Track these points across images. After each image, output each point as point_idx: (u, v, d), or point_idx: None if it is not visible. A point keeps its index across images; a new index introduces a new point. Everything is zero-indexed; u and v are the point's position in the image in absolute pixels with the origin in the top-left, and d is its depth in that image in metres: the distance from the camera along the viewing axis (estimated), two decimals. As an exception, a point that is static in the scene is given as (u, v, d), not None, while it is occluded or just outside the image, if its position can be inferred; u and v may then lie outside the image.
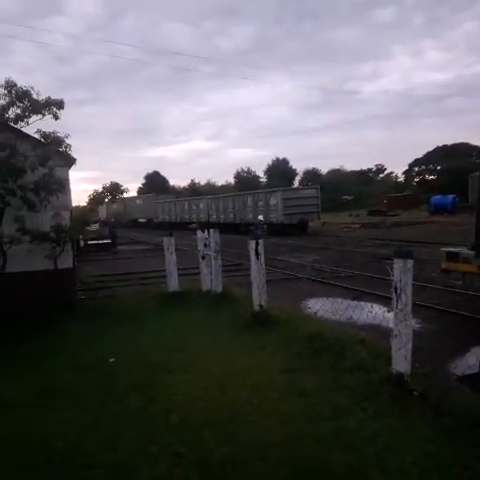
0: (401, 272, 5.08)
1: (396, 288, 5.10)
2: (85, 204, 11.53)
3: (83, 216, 11.38)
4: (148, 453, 4.15)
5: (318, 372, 5.91)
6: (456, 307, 9.68)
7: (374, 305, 9.45)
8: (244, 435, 4.38)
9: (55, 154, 9.78)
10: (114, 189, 10.77)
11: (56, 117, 9.83)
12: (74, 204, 12.36)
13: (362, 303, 9.93)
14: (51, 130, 9.86)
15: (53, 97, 9.92)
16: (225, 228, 36.59)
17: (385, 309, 5.76)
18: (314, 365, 6.15)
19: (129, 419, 4.91)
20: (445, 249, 9.00)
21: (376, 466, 3.81)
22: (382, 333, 6.68)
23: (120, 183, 11.04)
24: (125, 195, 11.61)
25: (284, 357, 6.55)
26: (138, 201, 62.12)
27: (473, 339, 7.87)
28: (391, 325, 5.44)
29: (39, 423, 4.93)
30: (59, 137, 9.78)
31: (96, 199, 10.75)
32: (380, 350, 6.07)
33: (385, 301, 6.78)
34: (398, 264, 5.11)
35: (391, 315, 5.39)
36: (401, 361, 5.13)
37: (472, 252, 8.10)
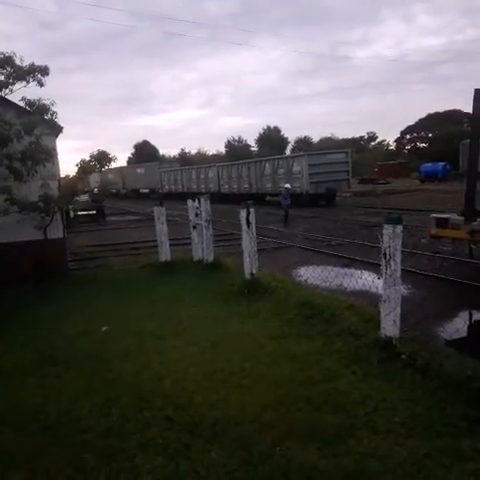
0: (390, 238, 5.10)
1: (385, 254, 5.14)
2: (74, 174, 11.41)
3: (71, 186, 11.25)
4: (140, 418, 4.21)
5: (309, 337, 5.99)
6: (445, 272, 9.80)
7: (364, 272, 9.51)
8: (236, 399, 4.45)
9: (41, 122, 9.58)
10: (102, 158, 10.61)
11: (41, 84, 9.58)
12: (63, 174, 12.21)
13: (352, 270, 10.02)
14: (36, 98, 9.65)
15: (38, 64, 9.68)
16: (239, 199, 34.92)
17: (375, 276, 5.81)
18: (305, 331, 6.23)
19: (122, 385, 4.96)
20: (435, 215, 9.04)
21: (365, 427, 3.90)
22: (372, 299, 6.75)
23: (108, 152, 10.88)
24: (114, 164, 11.43)
25: (275, 324, 6.62)
26: (139, 170, 57.28)
27: (461, 304, 8.00)
28: (380, 291, 5.50)
29: (31, 391, 4.98)
30: (45, 105, 9.56)
31: (84, 168, 10.61)
32: (369, 315, 6.15)
33: (375, 268, 6.81)
34: (387, 230, 5.13)
35: (381, 281, 5.44)
36: (390, 325, 5.21)
37: (461, 218, 8.14)
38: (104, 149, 10.79)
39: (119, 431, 4.04)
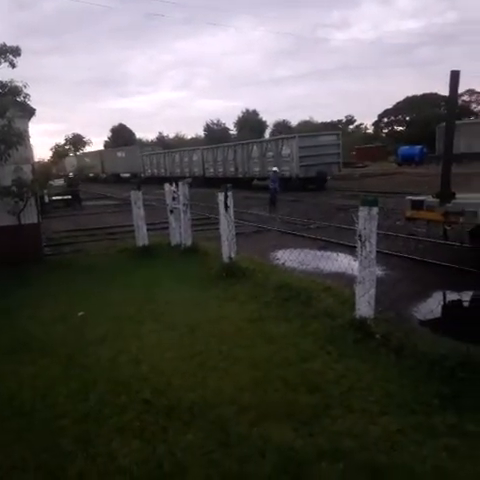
0: (366, 220, 5.15)
1: (361, 235, 5.18)
2: (48, 158, 11.19)
3: (45, 170, 11.03)
4: (117, 402, 4.20)
5: (286, 320, 6.04)
6: (419, 254, 9.96)
7: (341, 254, 9.63)
8: (213, 381, 4.47)
9: (13, 104, 9.33)
10: (77, 141, 10.42)
11: (13, 65, 9.33)
12: (37, 158, 11.95)
13: (329, 253, 10.09)
14: (8, 79, 9.39)
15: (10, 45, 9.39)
16: (225, 183, 34.33)
17: (351, 258, 5.88)
18: (282, 313, 6.28)
19: (99, 370, 4.93)
20: (410, 197, 9.15)
21: (340, 406, 3.96)
22: (348, 281, 6.83)
23: (83, 135, 10.69)
24: (89, 147, 11.24)
25: (253, 307, 6.65)
26: (119, 154, 55.86)
27: (435, 285, 8.15)
28: (356, 273, 5.56)
29: (6, 377, 4.91)
30: (17, 86, 9.31)
31: (58, 152, 10.40)
32: (345, 297, 6.24)
33: (352, 250, 6.91)
34: (363, 212, 5.17)
35: (356, 263, 5.50)
36: (365, 306, 5.28)
37: (436, 200, 8.25)
38: (79, 132, 10.60)
39: (96, 416, 4.02)
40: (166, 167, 46.05)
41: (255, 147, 33.64)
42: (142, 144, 68.24)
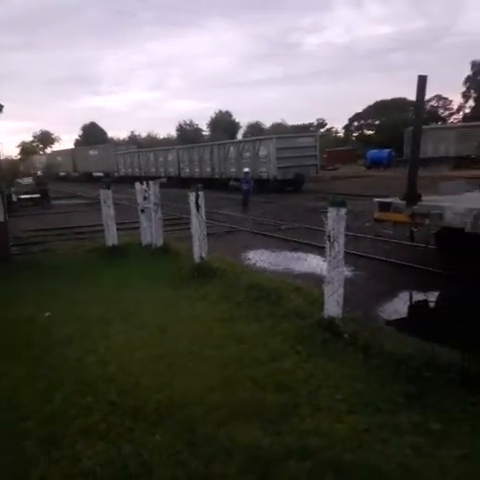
0: (334, 220, 5.21)
1: (330, 236, 5.24)
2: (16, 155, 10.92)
3: (12, 168, 10.77)
4: (83, 403, 4.13)
5: (256, 320, 6.04)
6: (386, 255, 10.15)
7: (311, 255, 9.73)
8: (182, 381, 4.44)
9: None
10: (45, 138, 10.23)
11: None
12: (4, 156, 11.66)
13: (300, 253, 10.19)
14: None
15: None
16: (201, 183, 33.84)
17: (320, 258, 5.94)
18: (253, 313, 6.29)
19: (66, 371, 4.84)
20: (378, 200, 9.29)
21: (308, 405, 3.98)
22: (317, 281, 6.89)
23: (52, 132, 10.49)
24: (58, 145, 11.03)
25: (224, 307, 6.64)
26: (92, 152, 54.32)
27: (401, 285, 8.31)
28: (325, 273, 5.61)
29: (-32, 379, 4.77)
30: (-19, 81, 9.07)
31: (26, 149, 10.17)
32: (315, 297, 6.29)
33: (321, 251, 7.00)
34: (332, 213, 5.23)
35: (326, 263, 5.55)
36: (333, 306, 5.34)
37: (403, 202, 8.40)
38: (50, 130, 10.40)
39: (61, 417, 3.94)
40: (140, 166, 45.17)
41: (232, 148, 33.12)
42: (115, 143, 67.18)
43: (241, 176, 29.26)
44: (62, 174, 57.92)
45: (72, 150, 59.30)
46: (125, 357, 5.09)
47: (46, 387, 4.50)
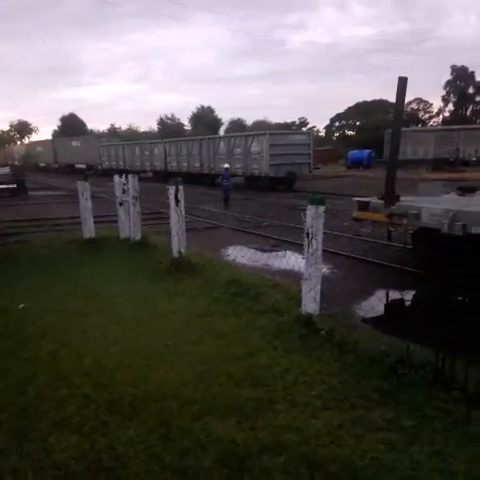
0: (313, 218, 5.23)
1: (308, 233, 5.27)
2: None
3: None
4: (57, 396, 4.07)
5: (235, 315, 6.04)
6: (364, 254, 10.26)
7: (289, 252, 9.76)
8: (158, 376, 4.42)
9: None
10: (23, 128, 10.01)
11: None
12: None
13: (279, 250, 10.22)
14: None
15: None
16: (189, 179, 30.18)
17: (299, 255, 5.98)
18: (231, 309, 6.28)
19: (39, 364, 4.76)
20: (357, 199, 9.39)
21: (283, 400, 4.00)
22: (295, 278, 6.93)
23: (30, 123, 10.28)
24: (36, 135, 10.81)
25: (202, 302, 6.62)
26: (74, 143, 52.54)
27: (378, 284, 8.41)
28: (303, 270, 5.65)
29: None
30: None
31: (1, 139, 9.94)
32: (292, 293, 6.32)
33: (300, 248, 7.05)
34: (311, 210, 5.26)
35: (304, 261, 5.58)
36: (310, 303, 5.38)
37: (381, 201, 8.50)
38: (28, 121, 10.16)
39: (34, 410, 3.88)
40: (125, 160, 43.71)
41: (222, 143, 31.89)
42: (97, 135, 66.09)
43: (231, 172, 28.58)
44: (42, 165, 56.62)
45: (53, 140, 57.82)
46: (101, 351, 5.03)
47: (19, 380, 4.42)
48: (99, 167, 46.43)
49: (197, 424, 3.62)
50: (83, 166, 48.91)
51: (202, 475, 3.06)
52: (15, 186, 25.20)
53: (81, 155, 50.00)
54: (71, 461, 3.21)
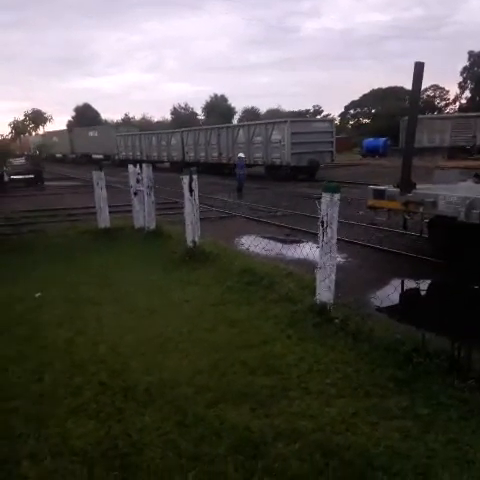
0: (328, 206, 5.19)
1: (323, 221, 5.23)
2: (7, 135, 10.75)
3: (3, 147, 10.61)
4: (73, 383, 4.12)
5: (248, 304, 6.05)
6: (379, 243, 10.17)
7: (304, 241, 9.73)
8: (172, 363, 4.44)
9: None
10: (37, 118, 10.06)
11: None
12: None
13: (293, 239, 10.18)
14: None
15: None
16: (207, 169, 31.12)
17: (313, 244, 5.95)
18: (244, 297, 6.29)
19: (55, 351, 4.82)
20: (372, 187, 9.28)
21: (298, 388, 4.00)
22: (309, 267, 6.90)
23: (45, 112, 10.32)
24: (50, 125, 10.85)
25: (216, 291, 6.63)
26: (91, 133, 51.78)
27: (393, 273, 8.34)
28: (317, 259, 5.61)
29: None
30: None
31: (17, 128, 10.01)
32: (306, 282, 6.30)
33: (314, 237, 7.01)
34: (325, 198, 5.21)
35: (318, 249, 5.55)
36: (324, 291, 5.35)
37: (397, 189, 8.40)
38: (40, 109, 10.20)
39: (50, 397, 3.93)
40: (142, 150, 43.14)
41: (241, 131, 30.85)
42: (114, 124, 65.50)
43: (251, 162, 28.78)
44: (58, 155, 56.29)
45: (70, 130, 57.56)
46: (115, 339, 5.08)
47: (36, 367, 4.48)
48: (116, 157, 45.76)
49: (212, 411, 3.64)
50: (100, 156, 48.38)
51: (217, 462, 3.08)
52: (33, 176, 25.38)
53: (98, 145, 49.36)
54: (88, 447, 3.25)
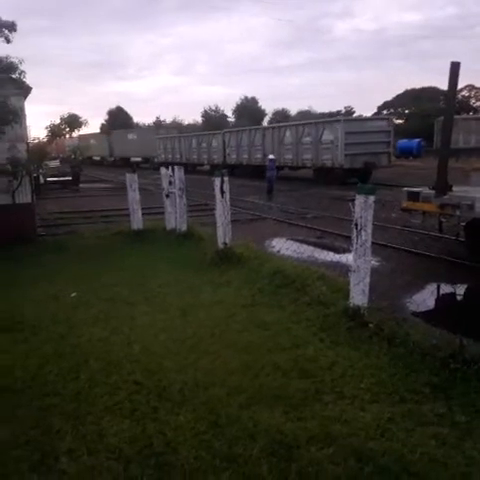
0: (362, 208, 5.12)
1: (357, 224, 5.16)
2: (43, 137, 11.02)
3: (40, 150, 10.89)
4: (108, 382, 4.19)
5: (279, 306, 6.04)
6: (414, 246, 9.97)
7: (336, 244, 9.64)
8: (205, 364, 4.48)
9: (8, 81, 9.20)
10: (73, 121, 10.29)
11: (8, 40, 9.15)
12: (32, 138, 11.78)
13: (324, 242, 10.09)
14: (3, 55, 9.24)
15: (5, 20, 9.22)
16: (250, 172, 30.52)
17: (346, 247, 5.88)
18: (276, 300, 6.28)
19: (91, 350, 4.92)
20: (406, 189, 9.13)
21: (331, 392, 3.97)
22: (342, 270, 6.83)
23: (80, 116, 10.55)
24: (85, 128, 11.06)
25: (247, 292, 6.64)
26: (130, 136, 51.05)
27: (428, 277, 8.16)
28: (350, 263, 5.55)
29: (-2, 355, 4.89)
30: (12, 63, 9.16)
31: (53, 131, 10.26)
32: (339, 285, 6.24)
33: (346, 240, 6.94)
34: (359, 200, 5.15)
35: (351, 252, 5.48)
36: (359, 295, 5.28)
37: (432, 191, 8.25)
38: (76, 113, 10.43)
39: (87, 395, 4.01)
40: (181, 152, 41.92)
41: (289, 131, 29.04)
42: (157, 126, 64.70)
43: (299, 164, 27.92)
44: (96, 158, 56.31)
45: (108, 133, 57.81)
46: (149, 338, 5.15)
47: (71, 365, 4.58)
48: (155, 160, 44.17)
49: (245, 413, 3.64)
50: (139, 159, 47.58)
51: (251, 463, 3.08)
52: (70, 179, 25.97)
53: (137, 148, 48.38)
54: (123, 445, 3.30)
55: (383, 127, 26.36)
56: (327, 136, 25.82)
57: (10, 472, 3.12)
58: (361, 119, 29.91)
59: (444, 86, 7.78)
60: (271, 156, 24.17)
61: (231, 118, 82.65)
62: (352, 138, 24.61)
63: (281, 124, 33.06)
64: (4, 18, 9.13)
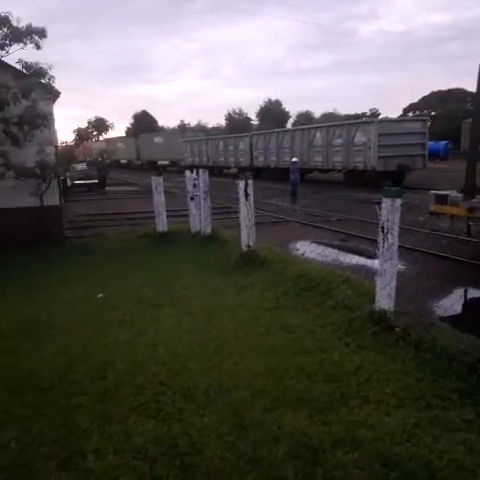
0: (389, 211, 5.07)
1: (383, 227, 5.11)
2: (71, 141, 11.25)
3: (68, 153, 11.11)
4: (134, 382, 4.24)
5: (304, 309, 6.01)
6: (442, 250, 9.81)
7: (360, 247, 9.55)
8: (229, 366, 4.49)
9: (38, 86, 9.41)
10: (100, 125, 10.46)
11: (38, 46, 9.38)
12: (60, 142, 12.04)
13: (349, 245, 10.00)
14: (33, 60, 9.47)
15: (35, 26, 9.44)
16: (278, 175, 30.08)
17: (371, 251, 5.82)
18: (300, 303, 6.25)
19: (117, 351, 4.99)
20: (434, 192, 9.00)
21: (357, 396, 3.94)
22: (367, 273, 6.77)
23: (107, 119, 10.73)
24: (112, 132, 11.24)
25: (271, 295, 6.64)
26: (157, 139, 51.29)
27: (456, 281, 8.03)
28: (376, 266, 5.50)
29: (27, 355, 4.99)
30: (42, 68, 9.38)
31: (80, 135, 10.46)
32: (364, 289, 6.17)
33: (372, 243, 6.86)
34: (386, 203, 5.10)
35: (377, 256, 5.43)
36: (385, 299, 5.22)
37: (460, 195, 8.11)
38: (102, 117, 10.61)
39: (113, 395, 4.07)
40: (208, 155, 41.98)
41: (319, 133, 28.37)
42: (183, 129, 65.33)
43: (329, 167, 27.44)
44: (123, 162, 56.99)
45: (135, 137, 58.58)
46: (174, 340, 5.19)
47: (99, 365, 4.64)
48: (182, 163, 44.02)
49: (269, 415, 3.64)
50: (166, 162, 47.31)
51: (276, 466, 3.08)
52: (97, 181, 26.39)
53: (164, 151, 48.36)
54: (149, 445, 3.34)
55: (418, 129, 25.72)
56: (359, 138, 25.15)
57: (39, 469, 3.18)
58: (395, 120, 28.91)
59: (471, 87, 7.64)
60: (294, 159, 24.14)
61: (255, 121, 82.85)
62: (385, 140, 23.94)
63: (311, 126, 32.46)
64: (34, 24, 9.36)
